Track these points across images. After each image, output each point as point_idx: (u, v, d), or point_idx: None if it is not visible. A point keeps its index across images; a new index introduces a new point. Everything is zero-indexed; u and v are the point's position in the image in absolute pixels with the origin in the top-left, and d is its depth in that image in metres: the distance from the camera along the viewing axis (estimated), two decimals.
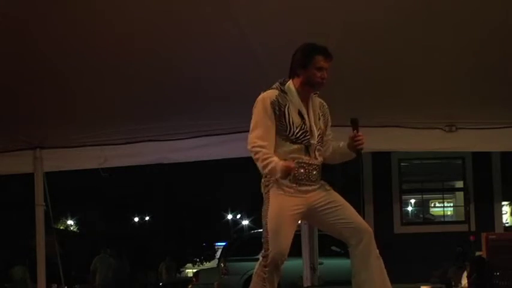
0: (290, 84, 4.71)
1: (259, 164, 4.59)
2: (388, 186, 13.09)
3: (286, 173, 4.51)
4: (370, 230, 4.69)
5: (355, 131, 4.66)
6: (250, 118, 4.80)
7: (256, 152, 4.59)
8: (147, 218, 34.17)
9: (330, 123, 4.86)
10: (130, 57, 6.76)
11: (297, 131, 4.64)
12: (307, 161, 4.65)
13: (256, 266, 4.71)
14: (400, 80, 7.33)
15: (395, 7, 6.20)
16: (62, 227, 31.64)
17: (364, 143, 4.64)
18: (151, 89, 7.39)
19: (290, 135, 4.64)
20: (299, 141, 4.65)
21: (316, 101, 4.80)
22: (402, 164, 13.25)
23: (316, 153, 4.70)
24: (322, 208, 4.69)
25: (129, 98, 7.55)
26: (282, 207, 4.60)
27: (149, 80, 7.22)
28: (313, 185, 4.68)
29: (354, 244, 4.67)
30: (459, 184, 13.57)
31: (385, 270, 4.73)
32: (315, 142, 4.68)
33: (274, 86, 4.74)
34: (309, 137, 4.66)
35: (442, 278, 10.18)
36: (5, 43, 6.36)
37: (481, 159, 12.55)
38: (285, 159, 4.59)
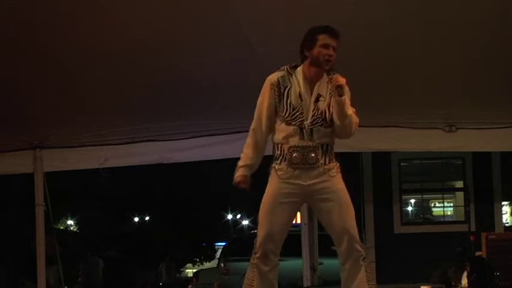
0: (299, 68, 4.75)
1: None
2: (388, 186, 13.09)
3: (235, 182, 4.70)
4: (352, 234, 4.63)
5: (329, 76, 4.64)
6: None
7: (248, 136, 4.80)
8: (147, 218, 34.17)
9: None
10: (130, 58, 6.76)
11: (293, 112, 4.65)
12: (300, 144, 4.63)
13: None
14: (400, 80, 7.33)
15: (395, 8, 6.20)
16: (62, 227, 31.63)
17: (340, 79, 4.57)
18: (151, 89, 7.39)
19: (286, 116, 4.66)
20: (293, 122, 4.65)
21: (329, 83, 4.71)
22: (402, 164, 13.25)
23: (314, 135, 4.65)
24: (318, 202, 4.69)
25: (129, 98, 7.55)
26: (275, 193, 4.64)
27: (149, 80, 7.22)
28: (312, 167, 4.63)
29: (337, 245, 4.70)
30: (459, 184, 13.57)
31: (362, 276, 4.65)
32: (308, 123, 4.65)
33: (283, 67, 4.79)
34: (302, 118, 4.65)
35: (442, 278, 10.19)
36: (6, 43, 6.36)
37: (481, 159, 12.55)
38: (281, 144, 4.67)
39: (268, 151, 4.84)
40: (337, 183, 4.69)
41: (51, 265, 9.05)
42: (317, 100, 4.68)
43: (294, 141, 4.64)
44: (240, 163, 4.73)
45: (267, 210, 4.64)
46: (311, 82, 4.70)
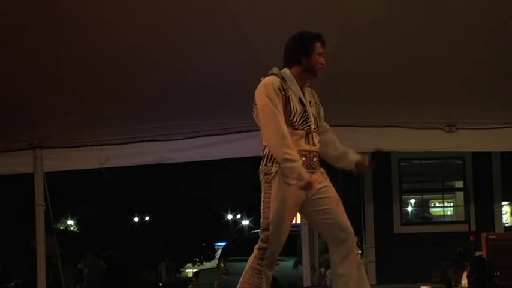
0: (287, 72, 4.69)
1: (279, 155, 4.48)
2: (388, 186, 13.10)
3: (304, 188, 4.48)
4: (352, 231, 4.71)
5: (372, 162, 4.83)
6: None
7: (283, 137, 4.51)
8: (147, 218, 34.21)
9: (322, 112, 4.85)
10: (131, 58, 6.76)
11: (300, 117, 4.63)
12: (307, 149, 4.65)
13: (250, 260, 4.66)
14: (400, 80, 7.33)
15: (395, 9, 6.20)
16: (62, 227, 31.66)
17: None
18: (151, 90, 7.39)
19: (294, 121, 4.61)
20: (300, 127, 4.63)
21: (308, 89, 4.81)
22: (402, 164, 13.27)
23: (315, 140, 4.70)
24: (314, 202, 4.67)
25: (129, 98, 7.55)
26: (286, 200, 4.57)
27: (149, 81, 7.22)
28: (314, 171, 4.66)
29: (336, 244, 4.68)
30: (459, 184, 13.58)
31: (363, 270, 4.75)
32: (313, 127, 4.68)
33: (274, 72, 4.70)
34: (309, 123, 4.65)
35: (442, 278, 10.20)
36: (7, 43, 6.36)
37: (481, 159, 12.56)
38: None
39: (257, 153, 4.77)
40: (330, 183, 4.75)
41: (63, 265, 9.02)
42: (312, 106, 4.73)
43: (302, 145, 4.62)
44: (296, 162, 4.47)
45: (280, 219, 4.57)
46: (300, 87, 4.70)
